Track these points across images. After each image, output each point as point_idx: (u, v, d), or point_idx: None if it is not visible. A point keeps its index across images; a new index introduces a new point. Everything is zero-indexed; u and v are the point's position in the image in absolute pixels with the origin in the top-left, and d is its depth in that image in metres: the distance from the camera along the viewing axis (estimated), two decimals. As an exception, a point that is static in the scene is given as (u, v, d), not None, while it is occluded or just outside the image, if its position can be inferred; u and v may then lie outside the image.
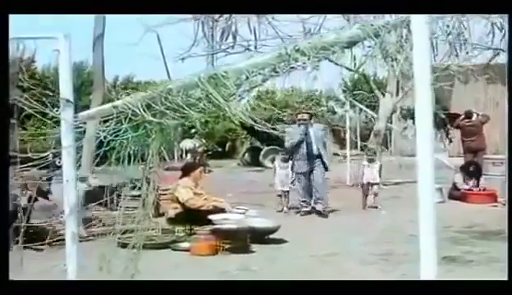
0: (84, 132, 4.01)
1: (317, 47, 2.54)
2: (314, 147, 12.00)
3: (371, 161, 12.92)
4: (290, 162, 12.40)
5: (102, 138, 3.30)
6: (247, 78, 2.76)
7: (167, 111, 2.98)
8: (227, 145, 29.85)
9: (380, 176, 12.95)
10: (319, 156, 12.03)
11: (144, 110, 3.06)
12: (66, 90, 3.54)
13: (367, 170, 12.67)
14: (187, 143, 22.30)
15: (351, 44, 2.54)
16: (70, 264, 3.58)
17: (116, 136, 3.25)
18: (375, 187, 12.62)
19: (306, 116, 12.40)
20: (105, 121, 3.33)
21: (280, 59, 2.65)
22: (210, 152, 23.74)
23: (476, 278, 6.19)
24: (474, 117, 16.34)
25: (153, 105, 3.03)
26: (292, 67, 2.62)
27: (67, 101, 3.51)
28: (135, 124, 3.16)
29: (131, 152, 3.28)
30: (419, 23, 2.29)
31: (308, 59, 2.54)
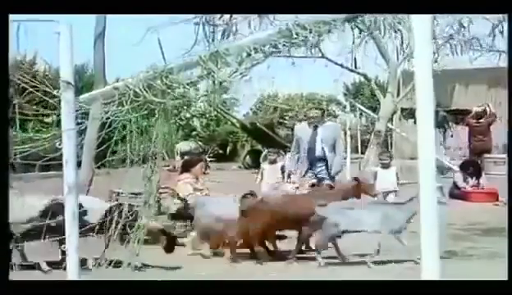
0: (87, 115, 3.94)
1: (318, 20, 2.52)
2: (318, 150, 9.69)
3: (386, 166, 11.36)
4: (280, 164, 11.18)
5: (104, 119, 3.26)
6: (248, 55, 2.73)
7: (169, 90, 2.96)
8: (228, 148, 29.81)
9: (398, 183, 11.20)
10: (323, 160, 9.66)
11: (145, 90, 3.02)
12: (66, 73, 3.47)
13: (381, 177, 11.05)
14: (183, 146, 22.48)
15: (351, 18, 2.53)
16: (70, 245, 3.49)
17: (118, 117, 3.21)
18: (391, 195, 10.92)
19: (316, 113, 9.92)
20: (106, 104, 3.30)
21: (281, 34, 2.63)
22: (211, 155, 23.70)
23: (477, 271, 6.22)
24: (485, 117, 16.25)
25: (154, 84, 3.00)
26: (293, 42, 2.59)
27: (68, 83, 3.44)
28: (138, 104, 3.12)
29: (133, 132, 3.24)
30: (420, 22, 2.29)
31: (310, 32, 2.52)
